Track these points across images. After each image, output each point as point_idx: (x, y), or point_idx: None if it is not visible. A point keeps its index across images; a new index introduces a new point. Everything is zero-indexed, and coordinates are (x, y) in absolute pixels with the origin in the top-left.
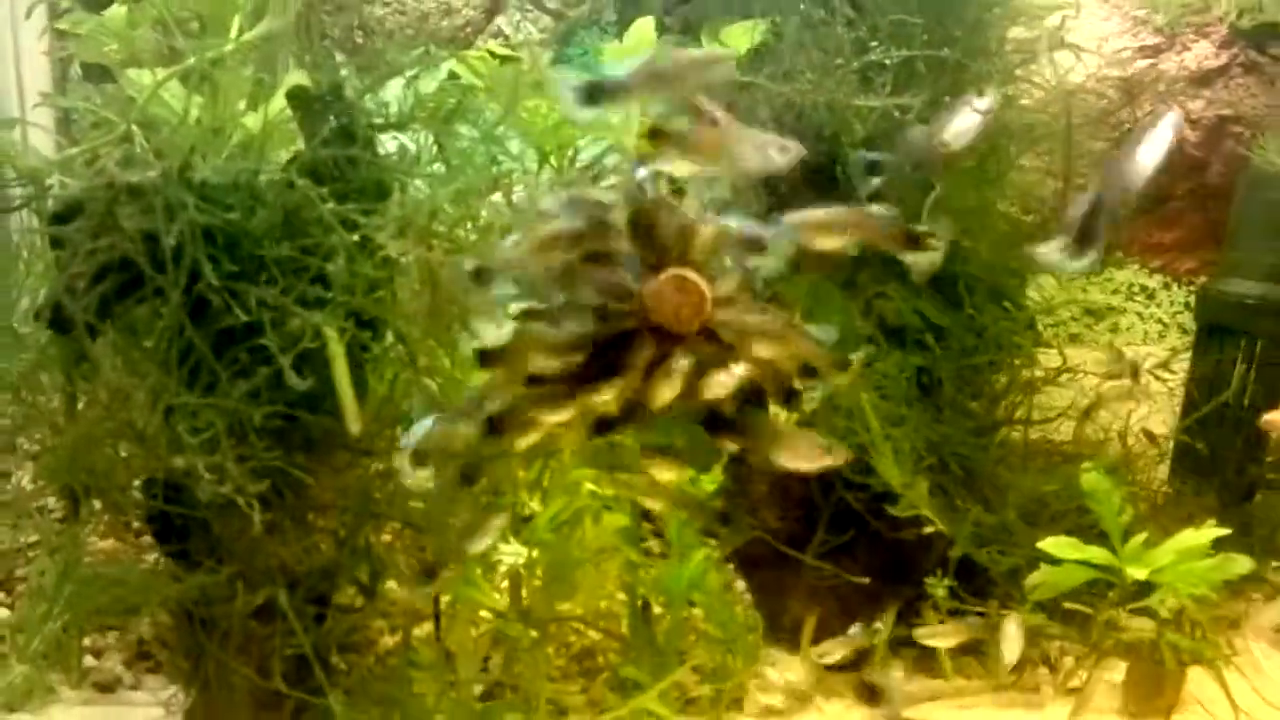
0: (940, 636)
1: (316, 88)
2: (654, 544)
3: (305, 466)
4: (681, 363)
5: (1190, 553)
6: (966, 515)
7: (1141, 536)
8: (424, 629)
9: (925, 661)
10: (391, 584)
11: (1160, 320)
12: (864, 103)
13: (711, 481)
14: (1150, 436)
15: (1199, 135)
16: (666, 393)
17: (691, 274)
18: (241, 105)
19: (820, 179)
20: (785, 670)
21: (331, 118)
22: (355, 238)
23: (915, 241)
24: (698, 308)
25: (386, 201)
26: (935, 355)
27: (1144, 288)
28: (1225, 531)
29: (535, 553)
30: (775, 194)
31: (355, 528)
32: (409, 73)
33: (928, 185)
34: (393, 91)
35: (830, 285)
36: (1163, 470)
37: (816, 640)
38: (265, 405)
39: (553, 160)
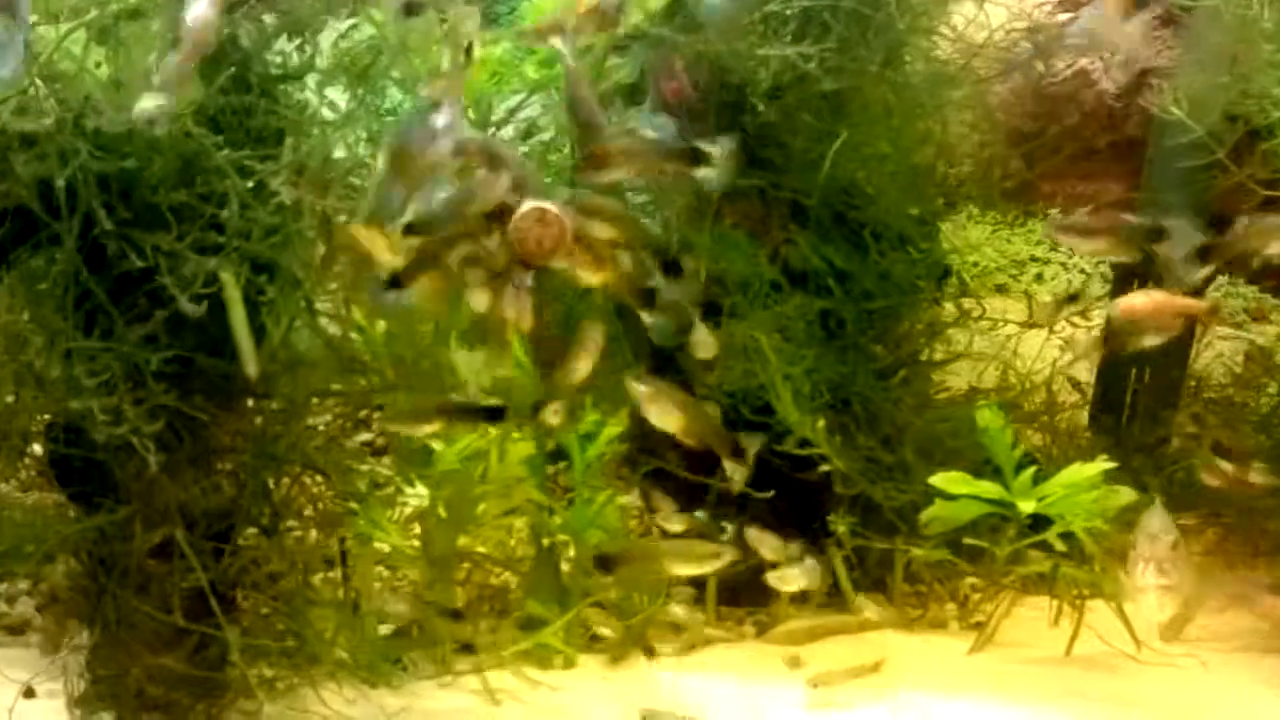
0: (789, 580)
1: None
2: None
3: (203, 409)
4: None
5: (1079, 486)
6: (865, 453)
7: (1030, 470)
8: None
9: (834, 600)
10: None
11: (1083, 270)
12: (767, 52)
13: (617, 424)
14: (1075, 384)
15: (1117, 88)
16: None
17: (553, 206)
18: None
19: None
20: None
21: (229, 67)
22: (250, 184)
23: (696, 158)
24: (558, 238)
25: (281, 148)
26: (839, 299)
27: None
28: (1111, 465)
29: (440, 489)
30: None
31: (254, 469)
32: (339, 25)
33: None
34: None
35: (737, 232)
36: (1083, 417)
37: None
38: (163, 350)
39: (470, 112)
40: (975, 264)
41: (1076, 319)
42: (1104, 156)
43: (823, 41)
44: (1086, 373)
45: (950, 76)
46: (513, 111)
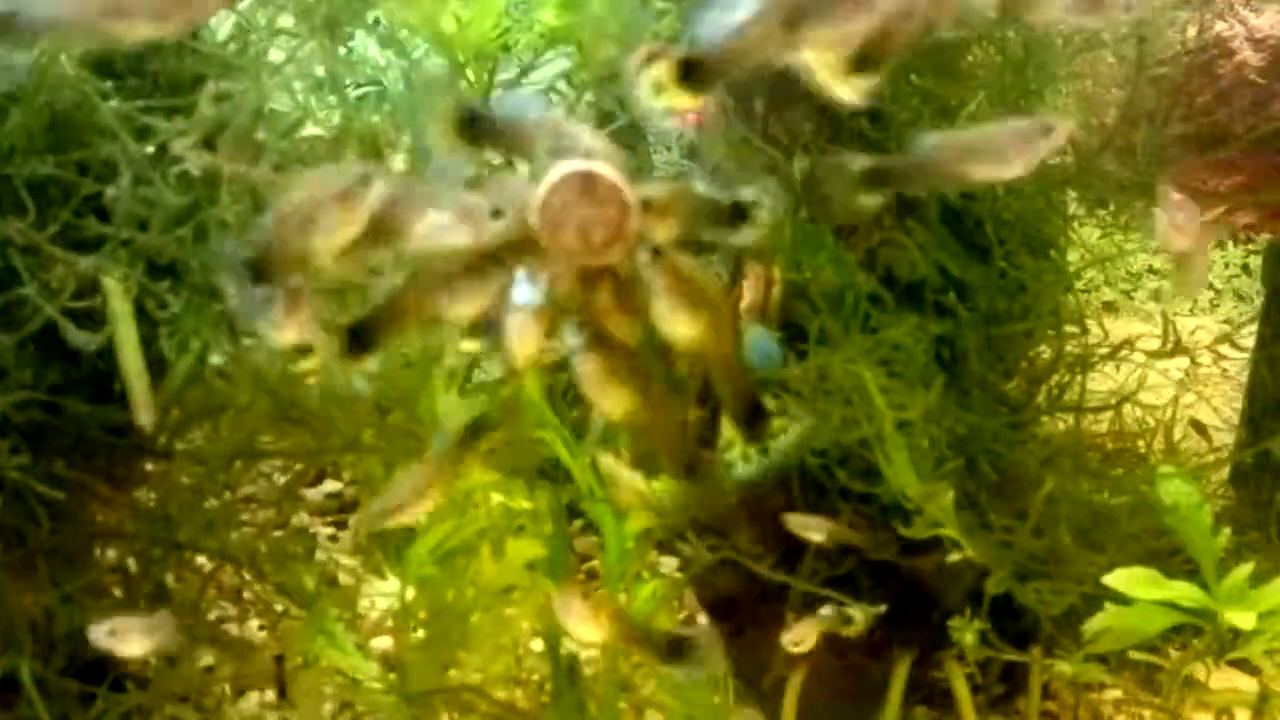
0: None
1: None
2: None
3: (74, 479)
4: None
5: None
6: (1004, 536)
7: (1245, 569)
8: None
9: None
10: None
11: (1212, 285)
12: None
13: (663, 491)
14: (1200, 429)
15: (1263, 59)
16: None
17: (607, 171)
18: None
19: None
20: None
21: None
22: (149, 149)
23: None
24: (616, 224)
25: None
26: (960, 320)
27: None
28: None
29: (413, 593)
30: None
31: (149, 563)
32: None
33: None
34: None
35: (820, 227)
36: (1222, 474)
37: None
38: (14, 391)
39: (470, 73)
40: (1079, 275)
41: (1223, 348)
42: (1243, 145)
43: None
44: (1214, 415)
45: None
46: (525, 71)
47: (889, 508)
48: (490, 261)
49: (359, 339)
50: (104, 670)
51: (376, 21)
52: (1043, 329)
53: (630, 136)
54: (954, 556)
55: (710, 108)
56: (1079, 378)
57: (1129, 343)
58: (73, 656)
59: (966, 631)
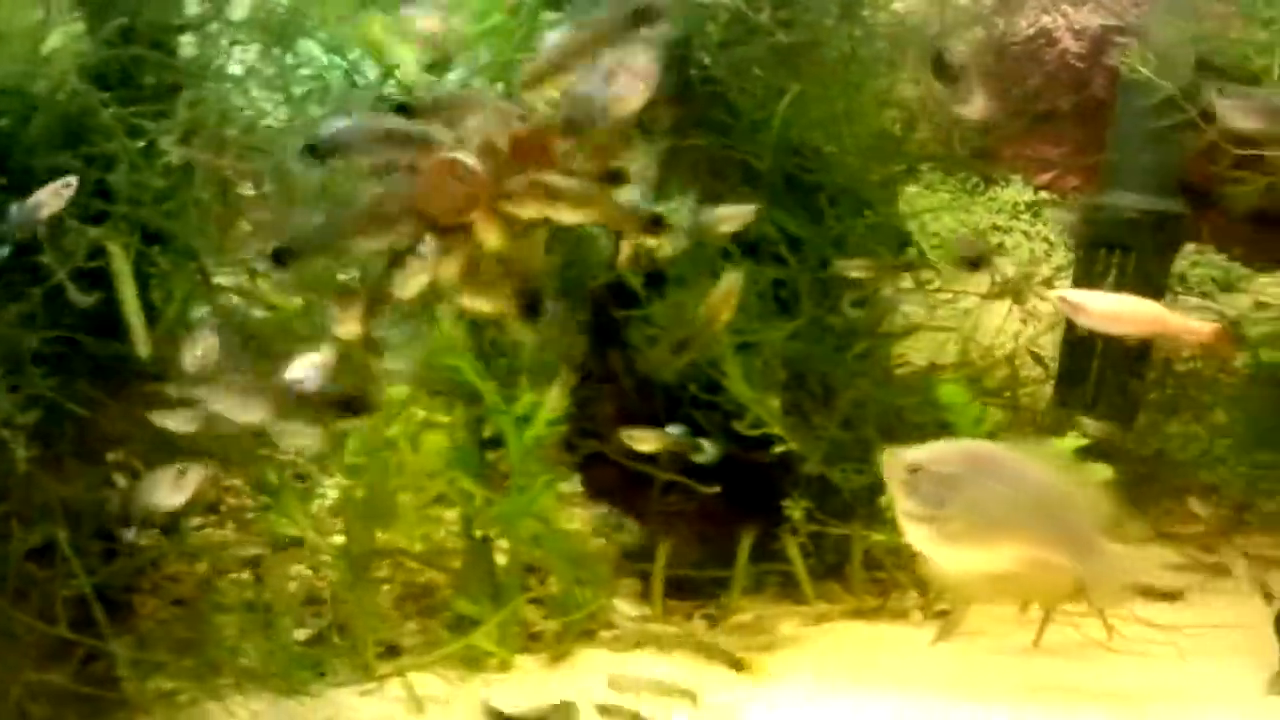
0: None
1: None
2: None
3: (90, 395)
4: (422, 252)
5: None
6: (821, 433)
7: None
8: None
9: (788, 588)
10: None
11: (1047, 239)
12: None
13: (555, 406)
14: (1037, 358)
15: (1083, 46)
16: (406, 287)
17: (465, 156)
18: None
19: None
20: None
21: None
22: (141, 144)
23: (657, 225)
24: (473, 196)
25: (174, 104)
26: (792, 267)
27: (1030, 205)
28: (1084, 441)
29: (353, 482)
30: None
31: (150, 460)
32: None
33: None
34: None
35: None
36: (1047, 393)
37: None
38: (42, 329)
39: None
40: (934, 234)
41: (1042, 290)
42: (1067, 119)
43: None
44: (1051, 346)
45: (912, 31)
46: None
47: (731, 413)
48: (385, 217)
49: (281, 259)
50: (116, 540)
51: (319, 30)
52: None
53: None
54: (778, 449)
55: None
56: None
57: (951, 290)
58: (95, 530)
59: (795, 509)
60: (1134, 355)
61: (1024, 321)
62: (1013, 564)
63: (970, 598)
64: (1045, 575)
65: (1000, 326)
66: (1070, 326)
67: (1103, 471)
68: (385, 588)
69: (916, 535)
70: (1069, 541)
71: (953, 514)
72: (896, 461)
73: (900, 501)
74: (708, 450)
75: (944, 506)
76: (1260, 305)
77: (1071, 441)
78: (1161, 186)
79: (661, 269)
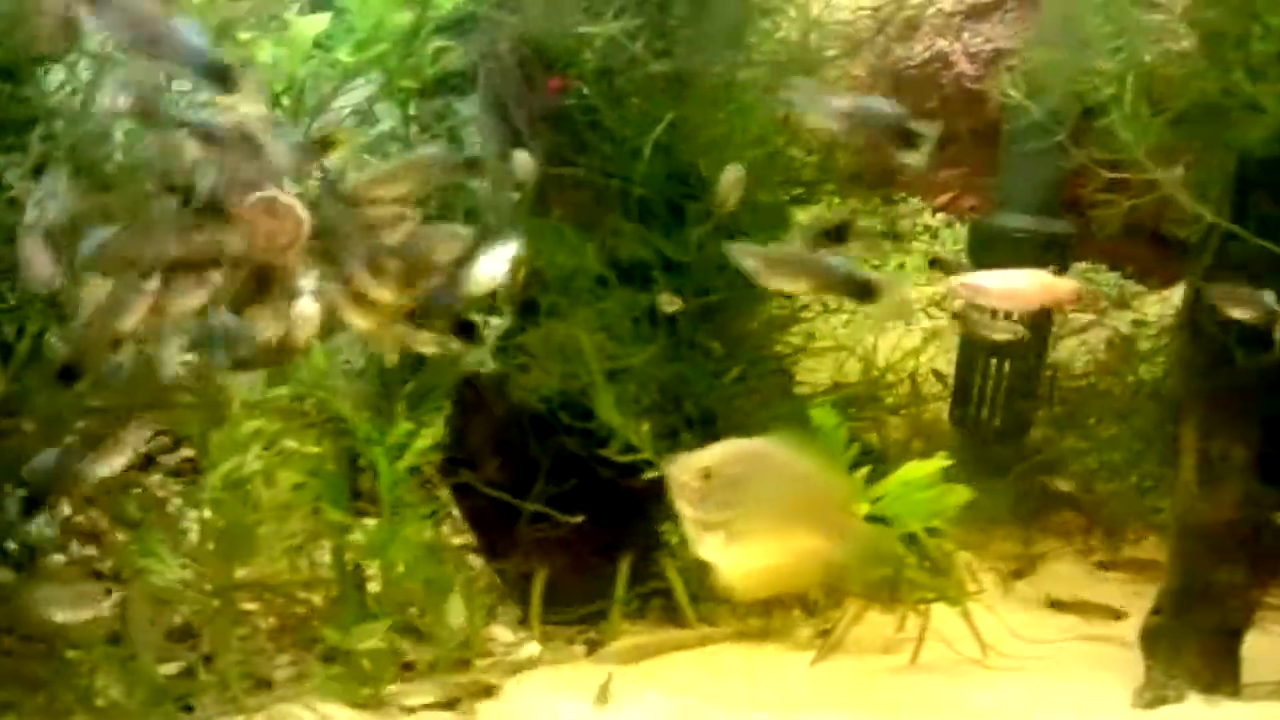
0: None
1: None
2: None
3: None
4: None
5: (914, 485)
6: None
7: (864, 470)
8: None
9: (671, 612)
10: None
11: (938, 257)
12: (591, 29)
13: (430, 435)
14: (939, 376)
15: (977, 70)
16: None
17: (284, 196)
18: None
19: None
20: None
21: None
22: None
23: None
24: (292, 234)
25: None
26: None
27: (928, 226)
28: (947, 463)
29: (209, 515)
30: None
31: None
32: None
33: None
34: None
35: (566, 227)
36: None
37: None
38: None
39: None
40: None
41: (934, 310)
42: (964, 142)
43: (655, 19)
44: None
45: (798, 58)
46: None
47: (604, 440)
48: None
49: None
50: None
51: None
52: (746, 299)
53: None
54: (650, 475)
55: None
56: (780, 336)
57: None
58: None
59: (674, 534)
60: (1025, 371)
61: (924, 340)
62: (785, 555)
63: (752, 594)
64: (810, 560)
65: (897, 344)
66: (965, 345)
67: (962, 493)
68: (261, 622)
69: (710, 545)
70: (829, 526)
71: (741, 515)
72: (685, 469)
73: (689, 511)
74: None
75: (733, 509)
76: (1138, 324)
77: (936, 462)
78: (1046, 206)
79: (534, 298)
